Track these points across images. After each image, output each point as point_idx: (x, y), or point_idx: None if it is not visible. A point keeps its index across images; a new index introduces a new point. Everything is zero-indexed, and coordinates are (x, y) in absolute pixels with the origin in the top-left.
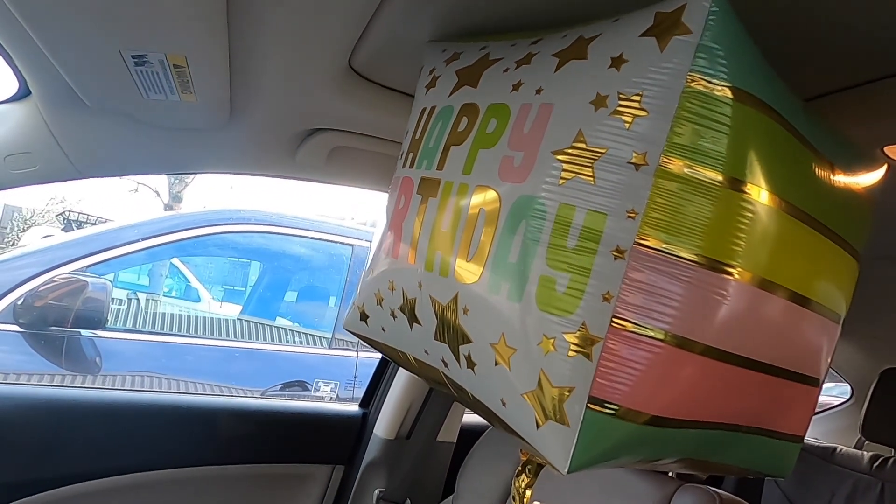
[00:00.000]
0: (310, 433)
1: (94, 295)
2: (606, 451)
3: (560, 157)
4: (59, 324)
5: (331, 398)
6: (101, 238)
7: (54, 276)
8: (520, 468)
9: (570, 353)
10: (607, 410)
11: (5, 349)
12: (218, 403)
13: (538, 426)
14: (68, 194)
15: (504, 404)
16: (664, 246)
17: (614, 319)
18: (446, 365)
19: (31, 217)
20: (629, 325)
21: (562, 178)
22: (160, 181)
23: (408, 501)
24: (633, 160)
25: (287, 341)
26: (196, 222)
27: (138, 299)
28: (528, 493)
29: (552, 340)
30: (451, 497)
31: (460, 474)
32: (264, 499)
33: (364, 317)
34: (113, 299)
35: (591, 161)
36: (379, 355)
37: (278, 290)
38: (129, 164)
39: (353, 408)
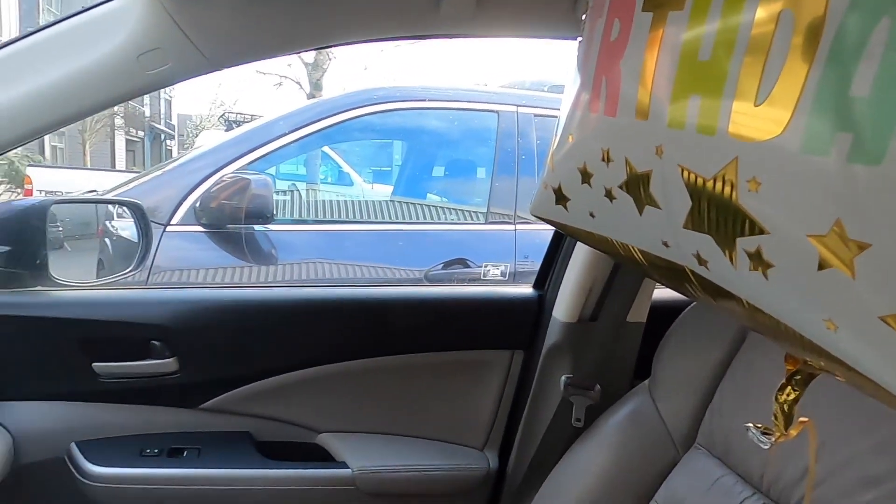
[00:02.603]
0: (484, 319)
1: (258, 191)
2: None
3: None
4: (233, 221)
5: (501, 280)
6: (255, 134)
7: (221, 177)
8: (784, 380)
9: None
10: None
11: (197, 247)
12: (392, 294)
13: None
14: (226, 97)
15: (832, 327)
16: None
17: None
18: (703, 263)
19: (200, 123)
20: None
21: None
22: (300, 72)
23: (597, 387)
24: None
25: (440, 219)
26: (338, 107)
27: (298, 190)
28: (796, 408)
29: None
30: (645, 381)
31: (657, 358)
32: (443, 387)
33: (561, 199)
34: (276, 191)
35: None
36: (547, 228)
37: (425, 167)
38: (262, 46)
39: (528, 290)
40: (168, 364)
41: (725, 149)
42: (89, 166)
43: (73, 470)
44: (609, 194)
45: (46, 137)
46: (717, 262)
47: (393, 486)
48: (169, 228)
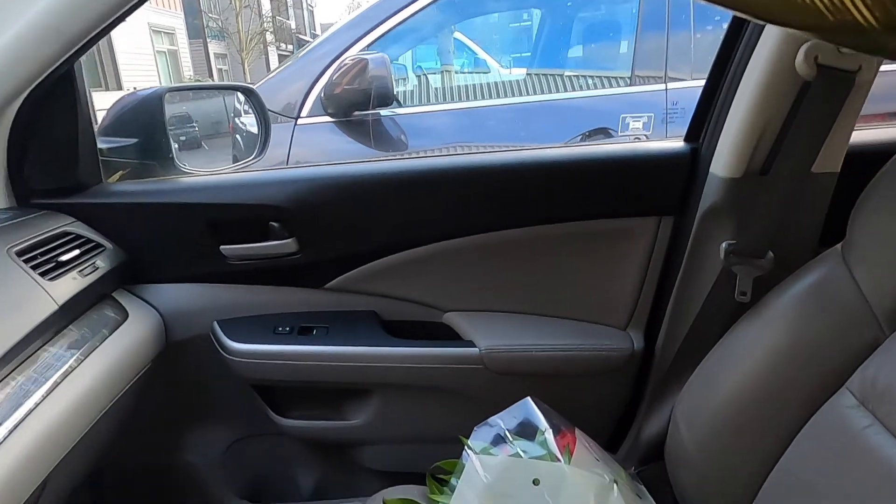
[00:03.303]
0: (626, 180)
1: (375, 72)
2: None
3: None
4: (359, 107)
5: (644, 136)
6: (373, 13)
7: (342, 62)
8: None
9: None
10: None
11: (328, 139)
12: (519, 159)
13: None
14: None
15: None
16: None
17: None
18: None
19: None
20: None
21: None
22: None
23: (769, 255)
24: None
25: (581, 87)
26: None
27: (431, 74)
28: None
29: None
30: (836, 246)
31: (854, 217)
32: (580, 261)
33: None
34: (404, 79)
35: None
36: (697, 82)
37: (563, 34)
38: None
39: (678, 143)
40: (288, 245)
41: None
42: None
43: (216, 345)
44: None
45: (213, 61)
46: None
47: (522, 366)
48: (300, 122)
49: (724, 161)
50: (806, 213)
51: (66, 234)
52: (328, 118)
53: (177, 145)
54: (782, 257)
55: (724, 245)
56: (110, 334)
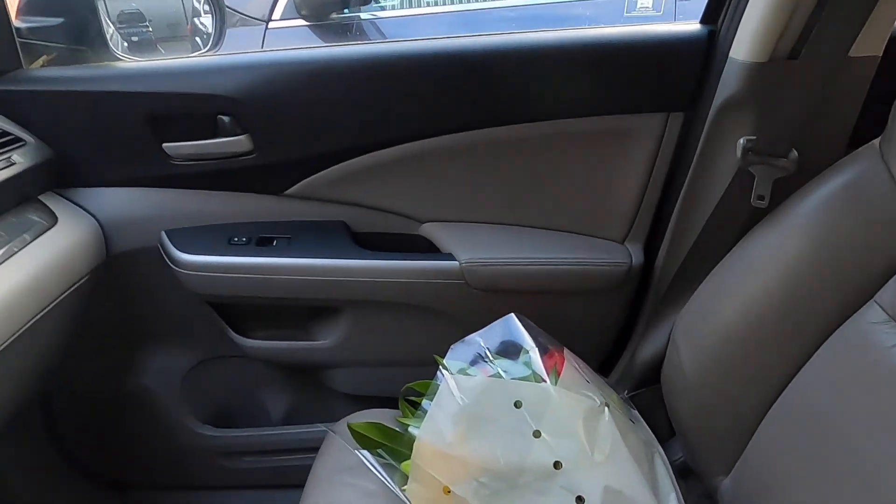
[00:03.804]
0: (630, 68)
1: None
2: None
3: None
4: (336, 7)
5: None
6: None
7: None
8: None
9: None
10: None
11: (302, 45)
12: (500, 44)
13: None
14: None
15: None
16: None
17: None
18: None
19: None
20: None
21: None
22: None
23: (793, 153)
24: None
25: None
26: None
27: None
28: None
29: None
30: (872, 143)
31: None
32: (573, 165)
33: None
34: None
35: None
36: None
37: None
38: None
39: (693, 25)
40: (241, 142)
41: None
42: None
43: (165, 258)
44: None
45: None
46: None
47: (507, 282)
48: (271, 25)
49: (746, 44)
50: (839, 105)
51: None
52: (302, 21)
53: (126, 43)
54: (807, 157)
55: (741, 141)
56: (32, 240)
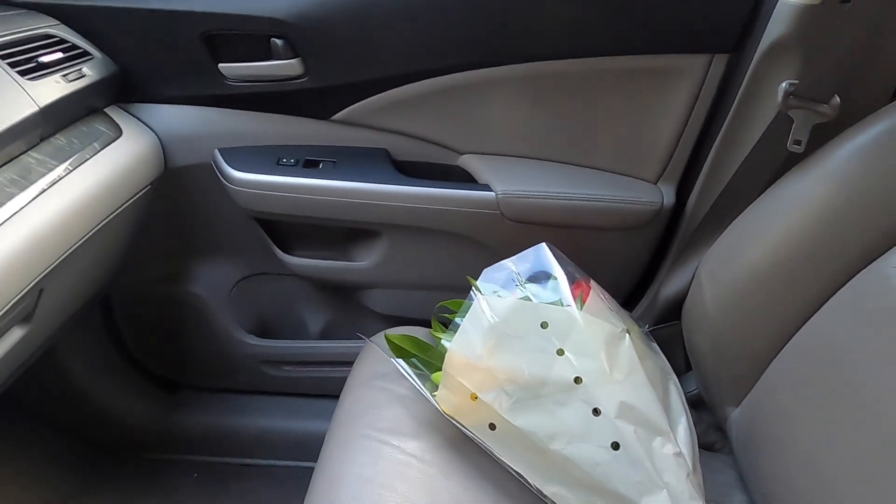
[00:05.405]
0: (675, 9)
1: None
2: None
3: None
4: None
5: None
6: None
7: None
8: None
9: None
10: None
11: None
12: None
13: None
14: None
15: None
16: None
17: None
18: None
19: None
20: None
21: None
22: None
23: (835, 99)
24: None
25: None
26: None
27: None
28: None
29: None
30: None
31: None
32: (612, 103)
33: None
34: None
35: None
36: None
37: None
38: None
39: None
40: (293, 66)
41: None
42: None
43: (218, 174)
44: None
45: None
46: None
47: (540, 215)
48: None
49: None
50: (886, 53)
51: (49, 35)
52: None
53: None
54: (851, 101)
55: (783, 85)
56: (102, 148)
